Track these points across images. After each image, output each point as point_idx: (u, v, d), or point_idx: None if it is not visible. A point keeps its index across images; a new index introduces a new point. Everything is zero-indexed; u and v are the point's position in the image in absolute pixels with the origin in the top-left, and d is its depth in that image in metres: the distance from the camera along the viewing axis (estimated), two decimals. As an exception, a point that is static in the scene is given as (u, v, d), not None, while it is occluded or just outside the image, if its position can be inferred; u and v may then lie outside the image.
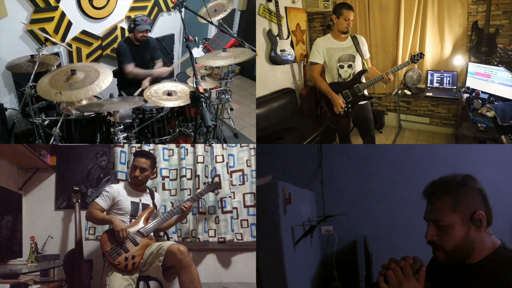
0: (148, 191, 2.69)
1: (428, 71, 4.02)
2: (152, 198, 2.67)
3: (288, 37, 3.96)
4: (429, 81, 3.99)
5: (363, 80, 3.04)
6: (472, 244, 1.20)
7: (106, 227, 2.50)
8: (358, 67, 3.06)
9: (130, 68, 3.45)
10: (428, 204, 1.27)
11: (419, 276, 1.17)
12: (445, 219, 1.20)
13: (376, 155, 2.98)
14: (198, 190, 2.88)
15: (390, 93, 4.29)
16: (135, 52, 3.51)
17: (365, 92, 3.06)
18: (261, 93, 3.80)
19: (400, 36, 4.13)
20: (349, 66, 3.02)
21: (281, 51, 3.86)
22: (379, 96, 4.52)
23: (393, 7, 4.12)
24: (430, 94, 3.90)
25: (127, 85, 3.53)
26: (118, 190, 2.55)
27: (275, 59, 3.84)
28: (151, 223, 2.50)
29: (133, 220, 2.50)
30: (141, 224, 2.48)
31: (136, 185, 2.62)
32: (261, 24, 3.78)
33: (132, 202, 2.55)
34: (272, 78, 3.96)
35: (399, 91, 4.07)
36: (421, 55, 2.93)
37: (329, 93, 2.99)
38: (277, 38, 3.83)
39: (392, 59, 4.27)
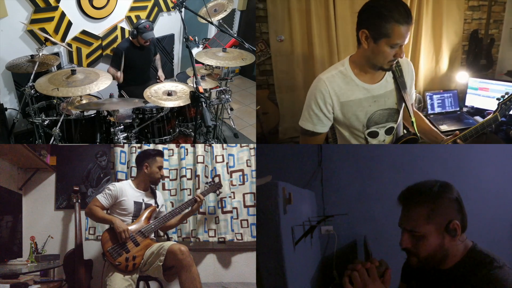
0: (150, 190, 2.69)
1: (427, 94, 3.30)
2: (154, 197, 2.67)
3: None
4: (429, 106, 3.32)
5: None
6: (445, 252, 1.21)
7: (107, 226, 2.49)
8: (401, 128, 1.83)
9: (116, 73, 3.42)
10: (403, 211, 1.27)
11: (384, 279, 1.18)
12: (420, 229, 1.21)
13: (376, 155, 2.96)
14: (199, 191, 2.88)
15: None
16: (138, 54, 3.52)
17: None
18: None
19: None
20: (388, 131, 1.77)
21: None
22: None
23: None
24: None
25: (128, 84, 3.53)
26: (121, 189, 2.52)
27: None
28: (153, 223, 2.50)
29: (135, 220, 2.50)
30: (142, 224, 2.48)
31: (156, 184, 2.74)
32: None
33: (135, 202, 2.54)
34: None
35: None
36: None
37: None
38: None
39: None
